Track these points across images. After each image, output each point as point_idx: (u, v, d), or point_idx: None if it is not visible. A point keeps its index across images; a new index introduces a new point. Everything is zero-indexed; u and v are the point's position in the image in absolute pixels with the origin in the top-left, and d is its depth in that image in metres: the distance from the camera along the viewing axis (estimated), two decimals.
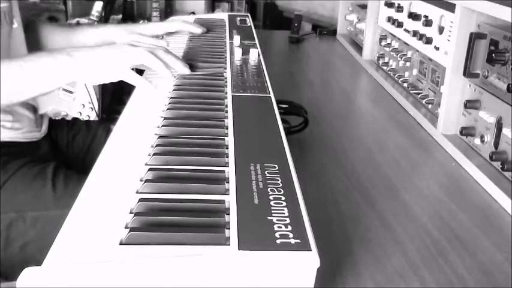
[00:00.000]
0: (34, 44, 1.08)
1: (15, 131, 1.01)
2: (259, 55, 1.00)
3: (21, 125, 1.02)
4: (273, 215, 0.45)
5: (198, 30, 1.22)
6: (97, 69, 0.85)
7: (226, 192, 0.50)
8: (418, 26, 1.11)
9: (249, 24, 1.35)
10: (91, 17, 2.30)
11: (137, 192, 0.50)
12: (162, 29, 1.21)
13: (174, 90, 0.81)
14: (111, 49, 0.87)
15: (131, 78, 0.84)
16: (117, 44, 0.91)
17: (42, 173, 0.94)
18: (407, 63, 1.19)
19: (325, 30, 1.89)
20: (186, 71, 0.90)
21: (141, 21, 2.80)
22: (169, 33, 1.22)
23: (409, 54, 1.18)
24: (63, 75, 0.85)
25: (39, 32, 1.13)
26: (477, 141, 0.84)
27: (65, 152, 1.15)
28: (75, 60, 0.84)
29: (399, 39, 1.25)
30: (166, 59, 0.87)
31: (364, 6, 1.53)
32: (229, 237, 0.43)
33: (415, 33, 1.11)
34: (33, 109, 1.07)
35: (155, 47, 0.89)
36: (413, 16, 1.13)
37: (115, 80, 0.86)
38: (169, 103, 0.75)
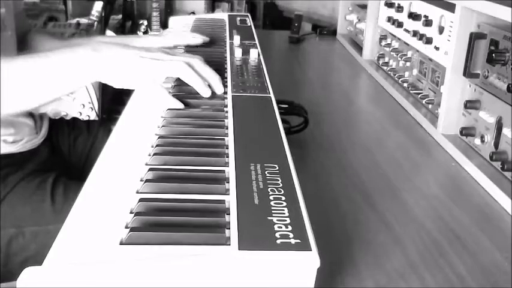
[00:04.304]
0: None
1: (16, 144, 0.98)
2: (259, 55, 1.00)
3: (21, 136, 0.99)
4: (273, 215, 0.45)
5: (198, 40, 1.09)
6: (124, 72, 0.75)
7: (226, 192, 0.50)
8: (418, 26, 1.11)
9: (249, 24, 1.35)
10: (91, 17, 2.30)
11: (137, 192, 0.50)
12: (158, 44, 1.07)
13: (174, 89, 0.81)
14: (145, 53, 0.77)
15: (158, 92, 0.74)
16: (151, 48, 0.81)
17: (41, 186, 0.92)
18: (408, 63, 1.19)
19: (325, 30, 1.89)
20: (221, 89, 0.79)
21: (141, 21, 2.81)
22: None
23: (409, 54, 1.18)
24: (85, 73, 0.74)
25: (35, 42, 1.09)
26: (477, 141, 0.84)
27: (66, 156, 1.12)
28: (101, 56, 0.74)
29: (399, 39, 1.25)
30: (204, 73, 0.78)
31: (364, 6, 1.53)
32: (229, 237, 0.43)
33: (415, 33, 1.11)
34: (31, 113, 1.04)
35: (191, 57, 0.79)
36: (413, 16, 1.13)
37: (140, 90, 0.78)
38: None
